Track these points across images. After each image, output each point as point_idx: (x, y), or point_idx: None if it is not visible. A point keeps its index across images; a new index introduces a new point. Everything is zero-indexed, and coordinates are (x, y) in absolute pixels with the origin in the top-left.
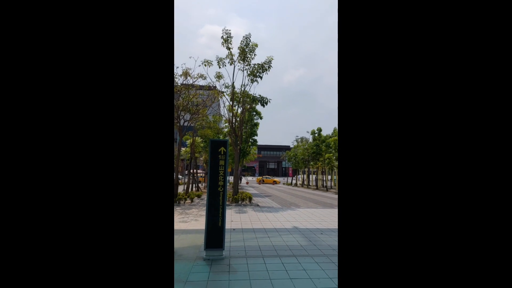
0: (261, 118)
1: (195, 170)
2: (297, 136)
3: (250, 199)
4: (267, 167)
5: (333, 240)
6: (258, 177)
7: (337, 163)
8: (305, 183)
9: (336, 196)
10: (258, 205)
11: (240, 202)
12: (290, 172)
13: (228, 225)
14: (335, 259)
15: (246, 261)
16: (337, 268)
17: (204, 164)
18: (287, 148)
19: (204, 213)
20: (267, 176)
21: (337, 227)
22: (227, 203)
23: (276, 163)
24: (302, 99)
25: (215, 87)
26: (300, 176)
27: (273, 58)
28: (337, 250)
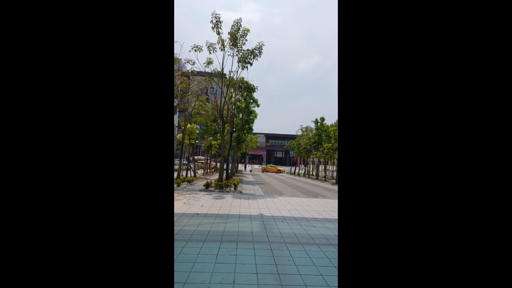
0: (258, 105)
1: (193, 157)
2: (301, 125)
3: (235, 186)
4: (275, 156)
5: (289, 228)
6: (262, 166)
7: (335, 154)
8: (306, 172)
9: (330, 187)
10: (241, 192)
11: (224, 188)
12: (298, 161)
13: (195, 210)
14: (276, 246)
15: (184, 245)
16: (271, 255)
17: (205, 151)
18: (295, 137)
19: (179, 197)
20: (271, 164)
21: (301, 215)
22: (211, 189)
23: (283, 152)
24: (316, 87)
25: (221, 72)
26: (303, 165)
27: (264, 44)
28: (284, 237)
